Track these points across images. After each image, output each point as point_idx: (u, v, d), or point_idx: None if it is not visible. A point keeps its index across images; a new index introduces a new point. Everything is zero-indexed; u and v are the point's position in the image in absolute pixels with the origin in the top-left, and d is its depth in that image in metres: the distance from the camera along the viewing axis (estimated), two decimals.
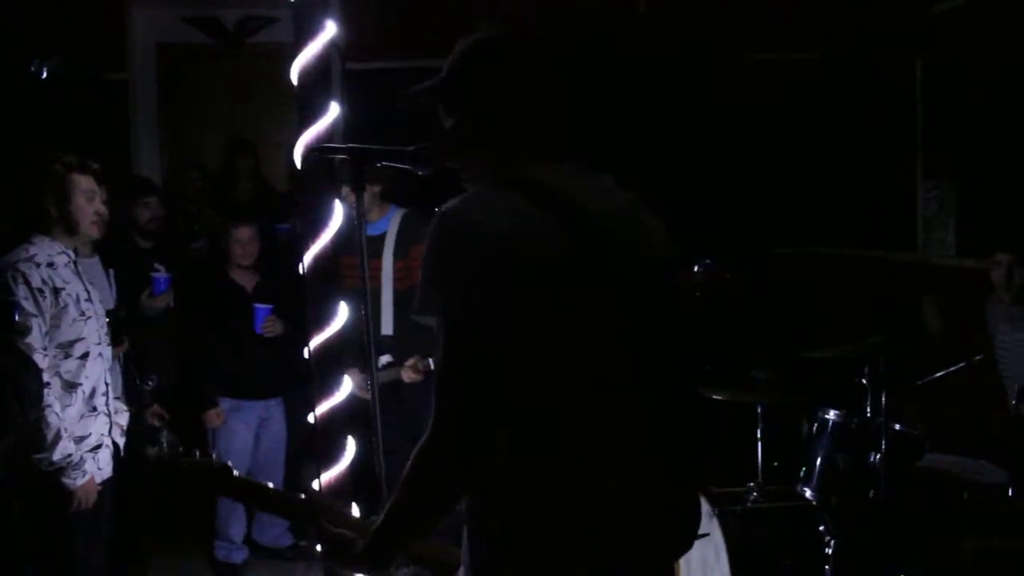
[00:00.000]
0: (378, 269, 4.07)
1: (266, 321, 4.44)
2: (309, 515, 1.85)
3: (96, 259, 3.91)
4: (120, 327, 3.68)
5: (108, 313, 3.52)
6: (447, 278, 1.52)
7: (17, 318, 2.93)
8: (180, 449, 1.96)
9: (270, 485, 1.99)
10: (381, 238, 4.11)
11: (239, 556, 4.65)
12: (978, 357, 4.20)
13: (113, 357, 3.67)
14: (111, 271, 4.01)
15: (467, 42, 1.73)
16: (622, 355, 1.58)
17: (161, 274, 4.45)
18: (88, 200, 3.18)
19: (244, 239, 4.53)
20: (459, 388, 1.50)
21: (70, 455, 3.02)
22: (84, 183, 3.17)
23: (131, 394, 3.95)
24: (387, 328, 4.09)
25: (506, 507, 1.55)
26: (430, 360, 3.95)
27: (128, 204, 4.73)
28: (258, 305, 4.46)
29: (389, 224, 4.14)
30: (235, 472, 1.94)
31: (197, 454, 1.94)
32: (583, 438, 1.53)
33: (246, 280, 4.60)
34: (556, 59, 1.73)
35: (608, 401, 1.56)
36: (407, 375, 4.06)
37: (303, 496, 1.94)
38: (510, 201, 1.57)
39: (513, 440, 1.51)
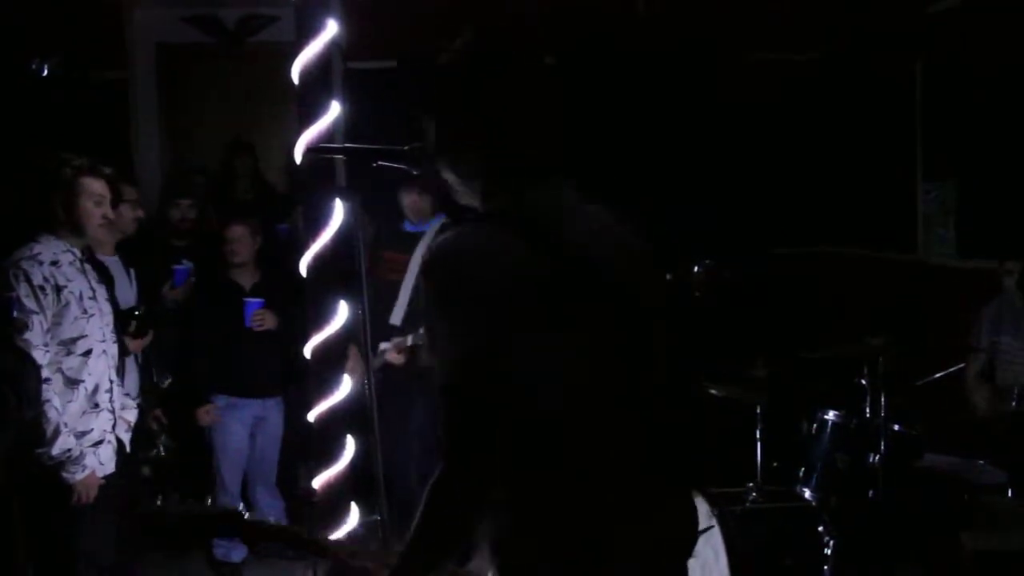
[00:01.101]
0: (406, 263, 4.42)
1: (255, 314, 4.45)
2: (324, 551, 1.87)
3: (116, 258, 3.95)
4: (142, 322, 3.73)
5: (126, 310, 3.56)
6: (451, 312, 1.52)
7: (15, 314, 2.95)
8: (191, 500, 1.95)
9: (284, 523, 2.00)
10: (419, 235, 4.45)
11: (238, 555, 4.64)
12: (961, 365, 4.20)
13: (128, 353, 3.73)
14: (132, 270, 4.06)
15: (470, 47, 1.71)
16: (621, 369, 1.58)
17: (183, 266, 4.56)
18: (96, 204, 3.22)
19: (234, 237, 4.54)
20: (471, 420, 1.50)
21: (69, 450, 3.04)
22: (93, 187, 3.21)
23: (150, 391, 4.04)
24: (397, 319, 4.39)
25: (508, 521, 1.55)
26: (409, 338, 4.28)
27: (161, 204, 4.95)
28: (248, 299, 4.48)
29: (430, 226, 4.47)
30: (245, 515, 1.94)
31: (209, 501, 1.95)
32: (583, 452, 1.53)
33: (245, 279, 4.60)
34: (556, 64, 1.73)
35: (608, 415, 1.56)
36: (391, 356, 4.35)
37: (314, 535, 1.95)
38: (498, 230, 1.57)
39: (515, 454, 1.52)
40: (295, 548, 2.04)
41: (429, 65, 1.73)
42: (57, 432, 3.01)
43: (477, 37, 1.70)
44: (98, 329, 3.20)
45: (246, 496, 4.66)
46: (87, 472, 3.09)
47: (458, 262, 1.55)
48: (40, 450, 3.00)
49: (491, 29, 1.72)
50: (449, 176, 1.73)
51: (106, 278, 3.84)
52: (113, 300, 3.81)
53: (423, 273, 1.58)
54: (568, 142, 1.72)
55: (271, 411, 4.65)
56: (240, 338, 4.46)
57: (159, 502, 1.90)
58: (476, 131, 1.67)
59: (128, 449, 3.39)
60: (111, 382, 3.27)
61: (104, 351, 3.23)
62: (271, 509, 4.61)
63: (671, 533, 1.63)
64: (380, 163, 1.99)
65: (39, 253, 3.09)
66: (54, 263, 3.10)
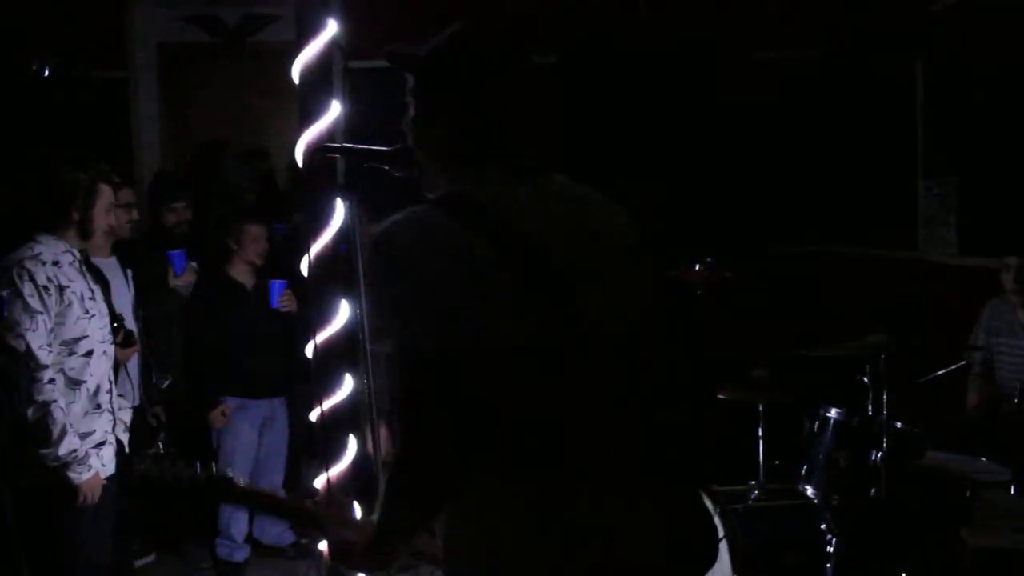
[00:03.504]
0: None
1: (283, 294, 4.44)
2: (312, 518, 1.88)
3: (113, 259, 3.96)
4: (128, 334, 3.73)
5: (121, 316, 3.57)
6: (396, 302, 1.53)
7: (6, 313, 2.96)
8: (182, 462, 1.95)
9: (272, 491, 2.01)
10: None
11: (241, 554, 4.65)
12: (962, 363, 4.21)
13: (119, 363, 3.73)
14: (129, 271, 4.06)
15: (460, 44, 1.71)
16: (620, 368, 1.57)
17: (175, 252, 4.55)
18: (105, 211, 3.27)
19: (255, 237, 4.53)
20: (416, 408, 1.52)
21: (75, 450, 3.04)
22: (107, 194, 3.26)
23: (149, 394, 4.06)
24: None
25: (508, 520, 1.54)
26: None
27: (156, 207, 4.93)
28: (273, 280, 4.45)
29: None
30: (238, 480, 1.95)
31: (199, 466, 1.94)
32: (582, 453, 1.53)
33: (246, 278, 4.59)
34: (557, 63, 1.73)
35: (607, 415, 1.55)
36: None
37: (302, 500, 1.96)
38: (439, 212, 1.56)
39: (514, 454, 1.52)
40: (284, 517, 2.05)
41: (415, 60, 1.73)
42: (63, 433, 3.00)
43: (459, 31, 1.72)
44: (98, 330, 3.21)
45: None
46: (92, 473, 3.09)
47: (392, 243, 1.55)
48: (45, 451, 3.00)
49: (475, 24, 1.73)
50: (427, 169, 1.73)
51: (102, 281, 3.85)
52: (109, 303, 3.83)
53: (378, 264, 1.58)
54: (569, 142, 1.72)
55: (278, 411, 4.65)
56: (246, 339, 4.46)
57: (152, 463, 1.90)
58: (453, 123, 1.66)
59: (127, 450, 3.39)
60: (110, 383, 3.28)
61: (104, 352, 3.24)
62: None
63: (674, 534, 1.62)
64: (367, 164, 1.98)
65: (40, 253, 3.09)
66: (55, 263, 3.11)
